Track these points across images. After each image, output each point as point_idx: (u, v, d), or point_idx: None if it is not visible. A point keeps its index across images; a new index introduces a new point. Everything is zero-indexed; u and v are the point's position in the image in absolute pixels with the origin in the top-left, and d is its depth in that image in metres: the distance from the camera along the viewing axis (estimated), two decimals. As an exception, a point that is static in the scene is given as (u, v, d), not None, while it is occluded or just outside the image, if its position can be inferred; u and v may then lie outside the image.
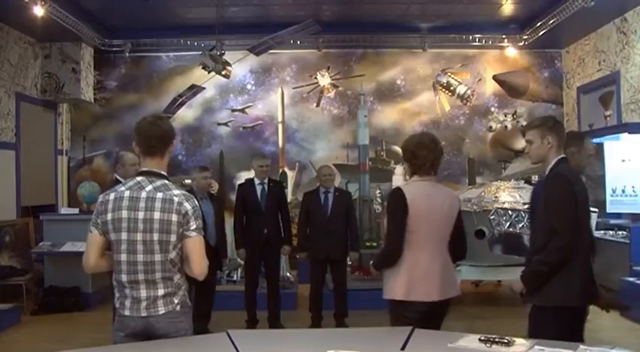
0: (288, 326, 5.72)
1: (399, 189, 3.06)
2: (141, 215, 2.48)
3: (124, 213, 2.49)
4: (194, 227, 2.53)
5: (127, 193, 2.52)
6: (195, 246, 2.54)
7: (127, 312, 2.52)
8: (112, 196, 2.54)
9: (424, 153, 3.08)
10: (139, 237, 2.48)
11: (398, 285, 2.98)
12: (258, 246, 5.73)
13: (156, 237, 2.48)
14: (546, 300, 2.98)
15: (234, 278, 7.06)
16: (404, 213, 2.97)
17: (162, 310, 2.51)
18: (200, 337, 2.63)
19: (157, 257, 2.49)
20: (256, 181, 5.88)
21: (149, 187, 2.53)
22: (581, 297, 3.02)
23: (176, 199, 2.51)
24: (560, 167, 3.05)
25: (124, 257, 2.50)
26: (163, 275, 2.51)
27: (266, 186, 5.84)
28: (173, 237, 2.51)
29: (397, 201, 3.02)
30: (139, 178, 2.57)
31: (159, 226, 2.48)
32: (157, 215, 2.48)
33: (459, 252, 3.20)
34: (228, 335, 2.57)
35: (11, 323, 6.12)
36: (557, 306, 2.96)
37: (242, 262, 6.86)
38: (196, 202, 2.59)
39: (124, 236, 2.49)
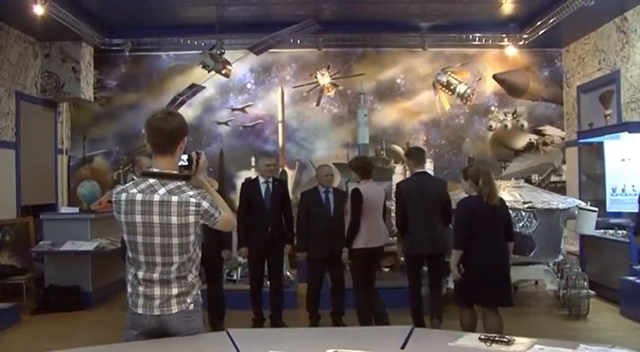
0: (289, 324, 5.72)
1: (357, 189, 5.40)
2: (156, 219, 2.46)
3: (138, 218, 2.47)
4: (217, 215, 2.56)
5: (139, 197, 2.47)
6: (224, 224, 2.64)
7: (139, 310, 2.50)
8: (123, 197, 2.50)
9: (368, 168, 5.57)
10: (157, 240, 2.47)
11: (358, 240, 5.34)
12: (262, 244, 5.74)
13: (175, 240, 2.48)
14: (404, 249, 5.63)
15: (234, 277, 7.06)
16: (360, 202, 5.34)
17: (175, 309, 2.50)
18: (200, 336, 2.62)
19: (175, 258, 2.50)
20: (261, 180, 5.87)
21: (162, 190, 2.48)
22: (413, 248, 5.44)
23: (193, 200, 2.49)
24: (408, 179, 5.88)
25: (142, 258, 2.50)
26: (178, 274, 2.52)
27: (270, 185, 5.83)
28: (192, 237, 2.53)
29: (358, 195, 5.35)
30: (151, 180, 2.51)
31: (177, 231, 2.47)
32: (174, 219, 2.46)
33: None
34: (228, 334, 2.57)
35: (11, 322, 6.12)
36: (406, 253, 5.61)
37: (242, 261, 6.88)
38: (209, 195, 2.58)
39: (139, 239, 2.48)
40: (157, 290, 2.49)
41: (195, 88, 9.26)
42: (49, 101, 8.57)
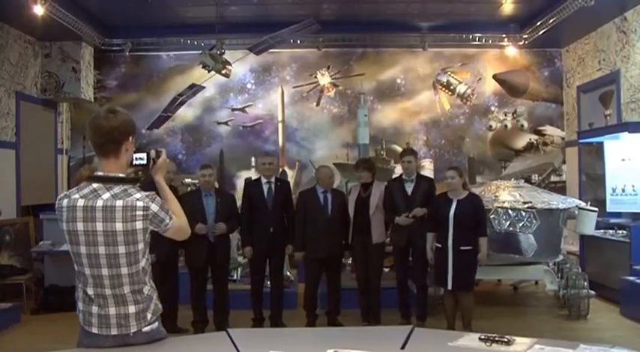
0: (289, 324, 5.73)
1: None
2: (99, 227, 2.22)
3: (80, 226, 2.23)
4: (167, 220, 2.34)
5: (80, 202, 2.24)
6: (176, 232, 2.42)
7: (95, 330, 2.28)
8: (64, 203, 2.27)
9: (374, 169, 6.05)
10: (102, 250, 2.23)
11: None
12: (264, 244, 5.74)
13: (122, 249, 2.25)
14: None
15: (234, 277, 7.06)
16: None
17: (134, 328, 2.30)
18: (200, 336, 2.64)
19: (124, 270, 2.26)
20: (263, 180, 5.88)
21: (106, 195, 2.25)
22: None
23: (140, 203, 2.26)
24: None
25: (87, 271, 2.27)
26: (132, 288, 2.29)
27: (273, 185, 5.85)
28: (141, 246, 2.30)
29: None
30: (94, 185, 2.27)
31: (123, 238, 2.24)
32: (119, 226, 2.23)
33: None
34: (228, 334, 2.57)
35: (11, 322, 6.11)
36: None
37: (242, 261, 6.88)
38: (159, 198, 2.36)
39: (83, 249, 2.25)
40: (112, 309, 2.27)
41: (195, 88, 9.26)
42: (49, 101, 8.57)
